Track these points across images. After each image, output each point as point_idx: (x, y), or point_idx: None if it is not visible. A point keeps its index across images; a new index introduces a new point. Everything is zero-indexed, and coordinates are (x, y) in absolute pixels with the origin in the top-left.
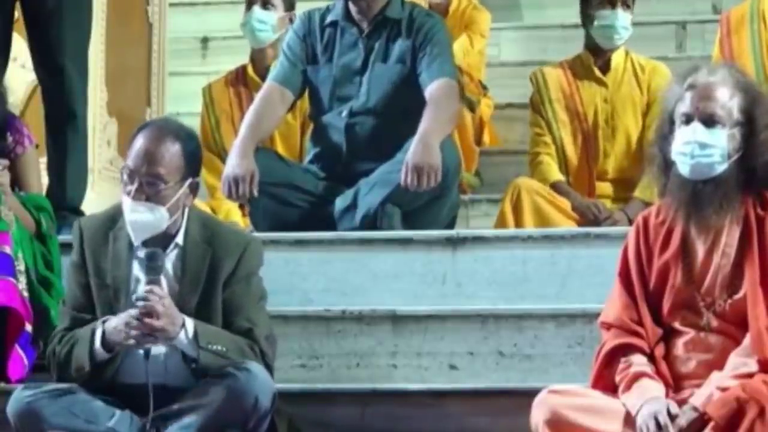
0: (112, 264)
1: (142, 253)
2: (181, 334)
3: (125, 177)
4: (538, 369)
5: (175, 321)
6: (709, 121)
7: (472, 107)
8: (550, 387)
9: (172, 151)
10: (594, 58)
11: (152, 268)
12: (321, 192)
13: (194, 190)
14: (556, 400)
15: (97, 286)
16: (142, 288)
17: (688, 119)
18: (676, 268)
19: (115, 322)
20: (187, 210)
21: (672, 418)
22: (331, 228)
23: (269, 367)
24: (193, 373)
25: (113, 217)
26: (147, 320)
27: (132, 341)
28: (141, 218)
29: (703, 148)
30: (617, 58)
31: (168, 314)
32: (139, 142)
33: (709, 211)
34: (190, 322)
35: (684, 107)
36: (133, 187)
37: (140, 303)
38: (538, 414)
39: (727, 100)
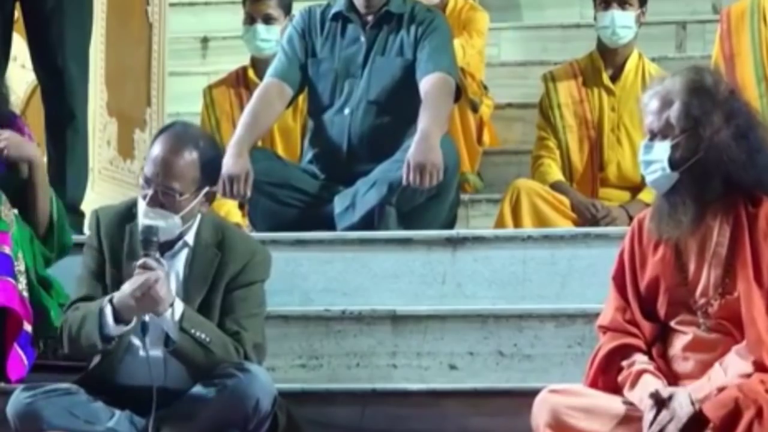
0: (127, 259)
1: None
2: (168, 313)
3: (142, 181)
4: (538, 369)
5: (166, 296)
6: (651, 136)
7: (475, 108)
8: (550, 386)
9: (189, 162)
10: (605, 62)
11: (147, 242)
12: (318, 192)
13: (210, 199)
14: (556, 399)
15: (111, 275)
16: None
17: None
18: (668, 270)
19: (120, 294)
20: (194, 215)
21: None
22: (328, 228)
23: None
24: (173, 354)
25: (130, 211)
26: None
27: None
28: (154, 224)
29: (647, 166)
30: (630, 65)
31: (160, 288)
32: (157, 150)
33: (663, 225)
34: (179, 304)
35: None
36: (148, 193)
37: (136, 271)
38: (538, 413)
39: (658, 111)
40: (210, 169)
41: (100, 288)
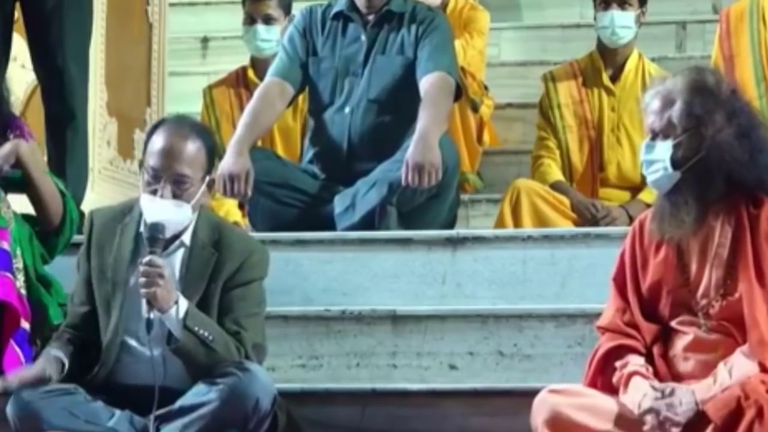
0: (114, 258)
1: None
2: (172, 311)
3: (148, 176)
4: (538, 369)
5: (170, 294)
6: (653, 136)
7: (475, 108)
8: (549, 386)
9: (196, 148)
10: (605, 62)
11: (153, 239)
12: (318, 192)
13: (210, 187)
14: (556, 399)
15: (98, 278)
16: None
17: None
18: (670, 271)
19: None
20: (197, 209)
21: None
22: (328, 228)
23: None
24: (175, 352)
25: (124, 212)
26: (143, 289)
27: None
28: (169, 217)
29: (649, 166)
30: (630, 65)
31: (165, 285)
32: (161, 141)
33: (665, 225)
34: (183, 302)
35: None
36: (159, 186)
37: (142, 268)
38: (538, 413)
39: (660, 110)
40: (212, 156)
41: (82, 309)
